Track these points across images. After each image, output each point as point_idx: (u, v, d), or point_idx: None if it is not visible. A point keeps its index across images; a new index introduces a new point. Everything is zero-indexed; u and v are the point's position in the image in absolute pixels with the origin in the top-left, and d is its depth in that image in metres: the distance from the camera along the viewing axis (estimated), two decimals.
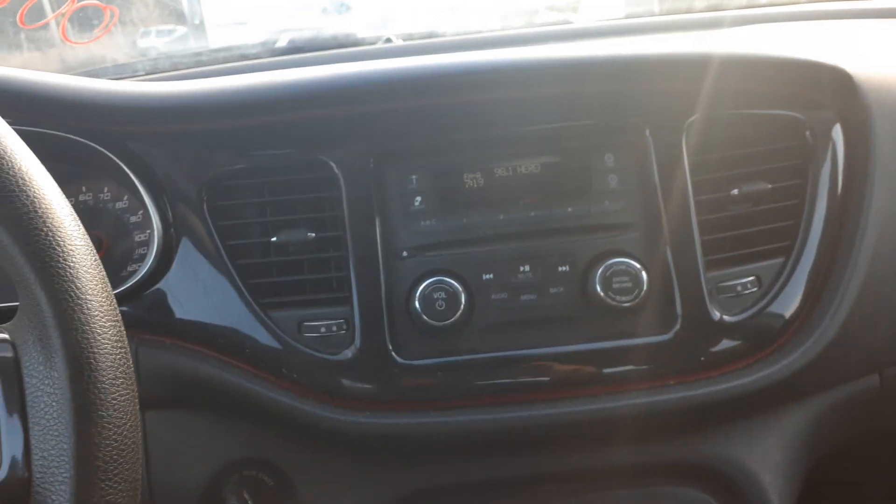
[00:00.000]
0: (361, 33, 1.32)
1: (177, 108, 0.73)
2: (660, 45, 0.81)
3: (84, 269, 0.43)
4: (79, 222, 0.45)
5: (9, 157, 0.42)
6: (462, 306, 0.70)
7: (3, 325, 0.44)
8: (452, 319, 0.70)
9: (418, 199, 0.74)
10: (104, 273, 0.45)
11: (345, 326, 0.72)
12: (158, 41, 1.73)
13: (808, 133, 0.75)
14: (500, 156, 0.75)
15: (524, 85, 0.74)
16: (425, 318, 0.70)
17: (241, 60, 1.30)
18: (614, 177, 0.74)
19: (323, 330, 0.72)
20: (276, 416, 0.71)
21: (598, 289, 0.70)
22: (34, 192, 0.42)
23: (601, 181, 0.74)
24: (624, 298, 0.69)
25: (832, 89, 0.75)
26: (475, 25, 1.40)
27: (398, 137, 0.74)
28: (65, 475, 0.40)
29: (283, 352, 0.71)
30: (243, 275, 0.73)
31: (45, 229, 0.42)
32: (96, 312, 0.43)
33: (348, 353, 0.71)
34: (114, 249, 0.83)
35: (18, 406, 0.42)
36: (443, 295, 0.70)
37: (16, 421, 0.41)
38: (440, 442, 0.73)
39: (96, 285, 0.43)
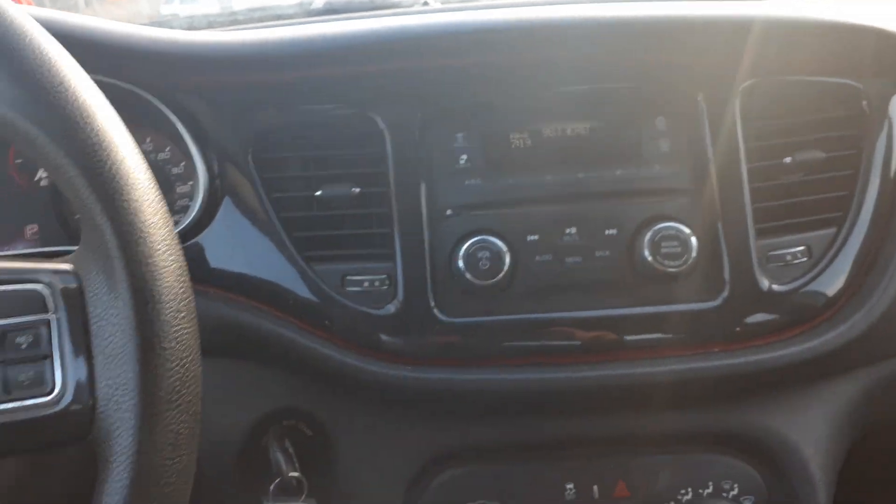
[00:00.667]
0: None
1: (227, 58, 0.73)
2: (716, 7, 0.79)
3: (148, 202, 0.43)
4: (142, 157, 0.45)
5: (73, 91, 0.42)
6: (506, 266, 0.70)
7: (67, 256, 0.44)
8: (496, 279, 0.70)
9: (464, 157, 0.73)
10: (166, 208, 0.45)
11: (387, 282, 0.72)
12: (182, 8, 1.72)
13: (864, 103, 0.73)
14: (549, 116, 0.74)
15: (575, 45, 0.73)
16: (469, 276, 0.70)
17: (276, 20, 1.29)
18: (665, 141, 0.73)
19: (366, 284, 0.72)
20: (318, 367, 0.71)
21: (646, 253, 0.69)
22: (100, 125, 0.42)
23: (651, 145, 0.73)
24: (672, 263, 0.68)
25: (893, 59, 0.73)
26: None
27: (446, 95, 0.73)
28: (129, 403, 0.40)
29: (326, 305, 0.71)
30: (288, 228, 0.73)
31: (110, 162, 0.42)
32: (160, 246, 0.42)
33: (391, 309, 0.71)
34: None
35: (83, 335, 0.42)
36: (487, 254, 0.70)
37: (80, 350, 0.41)
38: (479, 399, 0.73)
39: (159, 219, 0.43)
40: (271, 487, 0.73)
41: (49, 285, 0.42)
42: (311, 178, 0.74)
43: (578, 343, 0.71)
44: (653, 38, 0.74)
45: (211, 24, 1.29)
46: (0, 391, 0.41)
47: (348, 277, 0.72)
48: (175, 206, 0.83)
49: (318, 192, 0.73)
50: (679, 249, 0.69)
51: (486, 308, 0.71)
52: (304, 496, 0.73)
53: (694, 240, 0.69)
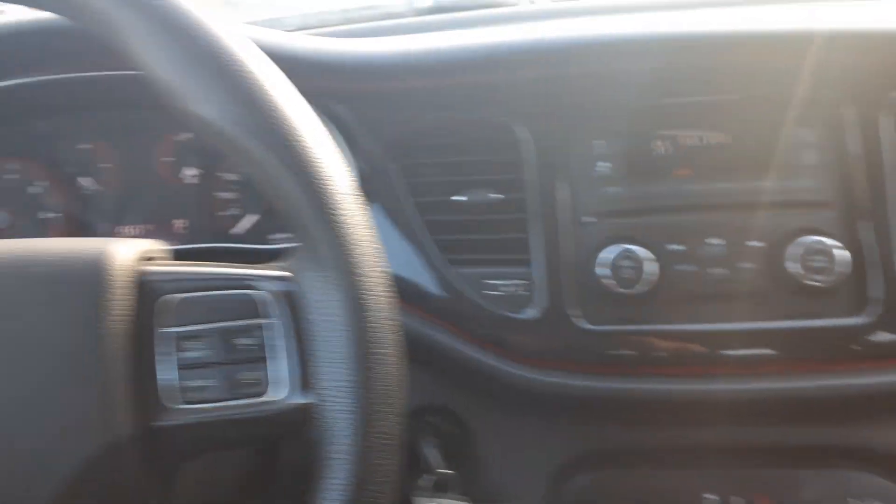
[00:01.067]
0: None
1: (378, 67, 0.75)
2: (858, 15, 0.78)
3: (359, 215, 0.45)
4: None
5: (291, 109, 0.44)
6: (648, 275, 0.70)
7: (284, 261, 0.47)
8: (637, 288, 0.70)
9: (604, 164, 0.74)
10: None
11: (526, 287, 0.73)
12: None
13: None
14: (691, 125, 0.74)
15: (720, 53, 0.73)
16: (609, 284, 0.71)
17: (387, 19, 1.31)
18: (812, 152, 0.72)
19: (504, 289, 0.73)
20: (460, 366, 0.73)
21: (793, 266, 0.68)
22: (315, 141, 0.44)
23: (798, 156, 0.72)
24: (820, 277, 0.68)
25: None
26: None
27: (587, 103, 0.74)
28: (348, 404, 0.42)
29: (468, 307, 0.73)
30: (432, 230, 0.75)
31: (325, 176, 0.44)
32: (371, 256, 0.45)
33: (529, 313, 0.72)
34: None
35: (300, 338, 0.44)
36: (629, 263, 0.70)
37: (298, 351, 0.44)
38: (616, 407, 0.74)
39: (369, 231, 0.45)
40: (421, 482, 0.76)
41: (268, 291, 0.45)
42: (453, 182, 0.75)
43: (720, 355, 0.71)
44: (801, 47, 0.73)
45: (323, 22, 1.32)
46: (225, 390, 0.44)
47: (486, 281, 0.74)
48: None
49: (458, 197, 0.75)
50: (827, 263, 0.68)
51: (625, 316, 0.72)
52: (455, 492, 0.76)
53: (843, 254, 0.68)
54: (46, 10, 0.45)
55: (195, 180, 0.87)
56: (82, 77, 0.80)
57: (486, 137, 0.75)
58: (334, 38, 0.79)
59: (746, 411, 0.72)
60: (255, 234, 0.87)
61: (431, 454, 0.75)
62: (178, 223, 0.87)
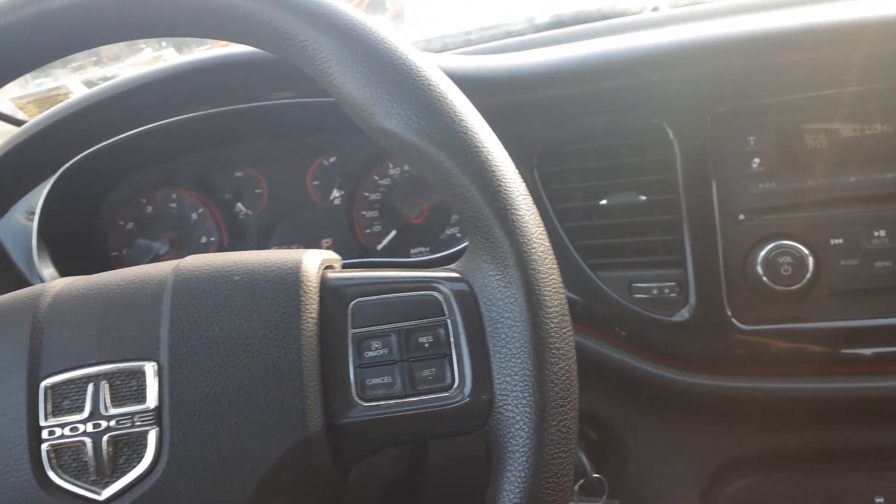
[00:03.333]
0: (625, 3, 1.31)
1: (524, 79, 0.76)
2: None
3: (534, 217, 0.46)
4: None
5: (472, 121, 0.46)
6: (809, 272, 0.68)
7: (453, 265, 0.49)
8: (798, 285, 0.68)
9: (756, 160, 0.72)
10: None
11: (677, 289, 0.72)
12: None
13: None
14: (846, 115, 0.71)
15: (869, 41, 0.70)
16: (768, 282, 0.68)
17: (507, 38, 1.33)
18: None
19: (654, 292, 0.72)
20: (609, 372, 0.73)
21: None
22: (494, 150, 0.46)
23: None
24: None
25: None
26: None
27: (735, 97, 0.72)
28: (528, 399, 0.43)
29: (615, 312, 0.73)
30: (573, 236, 0.75)
31: (504, 183, 0.45)
32: (546, 256, 0.46)
33: (684, 315, 0.71)
34: (433, 215, 0.89)
35: (478, 335, 0.46)
36: (788, 259, 0.68)
37: (477, 348, 0.45)
38: (778, 408, 0.71)
39: (542, 232, 0.47)
40: (575, 487, 0.76)
41: (445, 291, 0.47)
42: (594, 187, 0.76)
43: (887, 351, 0.67)
44: None
45: (446, 45, 1.36)
46: (408, 385, 0.46)
47: (635, 284, 0.73)
48: (451, 220, 0.89)
49: (603, 202, 0.75)
50: None
51: (785, 314, 0.69)
52: (605, 496, 0.75)
53: None
54: (255, 45, 0.49)
55: (339, 201, 0.91)
56: (235, 110, 0.86)
57: (633, 140, 0.75)
58: (480, 56, 0.81)
59: None
60: (397, 248, 0.90)
61: (584, 458, 0.75)
62: (325, 242, 0.92)
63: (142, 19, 0.49)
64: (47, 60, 0.53)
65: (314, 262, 0.48)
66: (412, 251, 0.89)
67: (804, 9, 1.00)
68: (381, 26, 0.47)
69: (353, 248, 0.90)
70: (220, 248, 0.93)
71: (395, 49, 0.46)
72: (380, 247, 0.89)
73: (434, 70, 0.47)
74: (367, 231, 0.90)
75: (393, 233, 0.90)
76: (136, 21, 0.49)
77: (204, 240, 0.92)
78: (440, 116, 0.45)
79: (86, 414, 0.44)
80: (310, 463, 0.45)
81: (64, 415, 0.44)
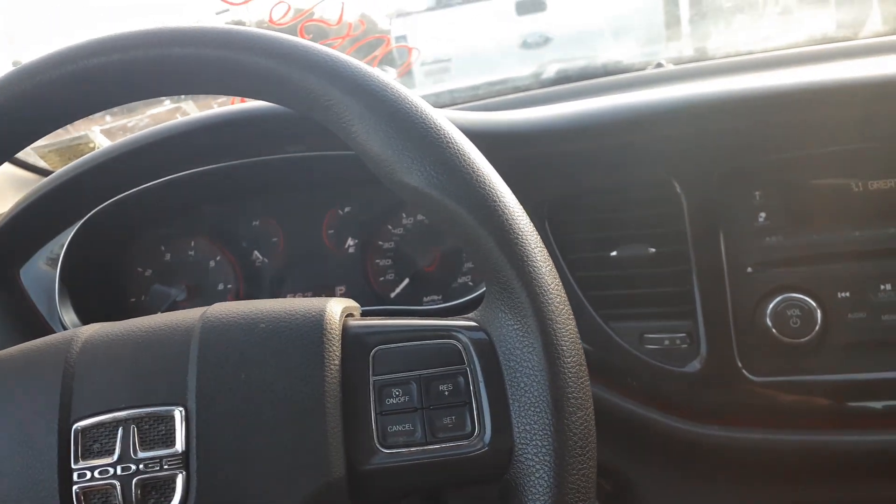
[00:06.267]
0: (629, 60, 1.36)
1: (527, 133, 0.79)
2: None
3: (550, 269, 0.48)
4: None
5: (488, 176, 0.48)
6: (818, 324, 0.69)
7: (471, 314, 0.50)
8: (807, 338, 0.69)
9: (763, 214, 0.74)
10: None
11: (688, 340, 0.73)
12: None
13: None
14: (850, 171, 0.73)
15: (871, 100, 0.73)
16: (777, 334, 0.70)
17: (514, 92, 1.37)
18: None
19: (666, 342, 0.73)
20: (621, 422, 0.73)
21: None
22: (510, 204, 0.48)
23: None
24: None
25: None
26: (740, 47, 1.38)
27: (740, 154, 0.75)
28: (547, 447, 0.44)
29: (627, 362, 0.74)
30: (584, 287, 0.77)
31: (521, 235, 0.47)
32: (563, 307, 0.47)
33: (695, 366, 0.72)
34: (445, 263, 0.91)
35: (498, 384, 0.47)
36: (797, 312, 0.69)
37: (496, 397, 0.47)
38: (788, 460, 0.72)
39: (558, 283, 0.48)
40: None
41: (464, 340, 0.48)
42: (604, 239, 0.77)
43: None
44: None
45: (454, 99, 1.40)
46: (428, 433, 0.47)
47: (646, 335, 0.74)
48: (462, 269, 0.90)
49: (614, 253, 0.76)
50: None
51: (794, 366, 0.70)
52: None
53: None
54: (282, 104, 0.52)
55: (353, 249, 0.93)
56: (253, 162, 0.89)
57: (641, 193, 0.77)
58: (494, 112, 0.84)
59: None
60: (409, 296, 0.91)
61: None
62: (339, 289, 0.93)
63: (175, 78, 0.52)
64: (82, 115, 0.55)
65: (336, 310, 0.50)
66: (425, 299, 0.91)
67: (806, 68, 1.04)
68: (401, 88, 0.50)
69: (367, 296, 0.92)
70: (237, 295, 0.94)
71: (416, 109, 0.49)
72: (393, 294, 0.90)
73: (452, 128, 0.49)
74: (381, 279, 0.91)
75: (406, 281, 0.92)
76: (169, 79, 0.52)
77: (221, 287, 0.93)
78: (458, 172, 0.47)
79: (115, 457, 0.45)
80: None
81: (94, 458, 0.45)
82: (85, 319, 0.85)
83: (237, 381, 0.46)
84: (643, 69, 1.32)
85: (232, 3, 1.00)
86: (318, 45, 0.50)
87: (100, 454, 0.45)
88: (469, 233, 0.47)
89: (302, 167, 0.88)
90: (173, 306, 0.92)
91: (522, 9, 3.33)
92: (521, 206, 0.49)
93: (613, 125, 0.77)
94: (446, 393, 0.47)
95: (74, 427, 0.46)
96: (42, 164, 1.32)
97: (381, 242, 0.92)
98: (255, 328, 0.48)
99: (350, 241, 0.93)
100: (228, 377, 0.46)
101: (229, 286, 0.93)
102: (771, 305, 0.70)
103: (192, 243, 0.94)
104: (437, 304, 0.89)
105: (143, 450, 0.45)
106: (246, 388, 0.46)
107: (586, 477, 0.45)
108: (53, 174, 0.84)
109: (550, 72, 1.41)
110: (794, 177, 0.73)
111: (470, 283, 0.90)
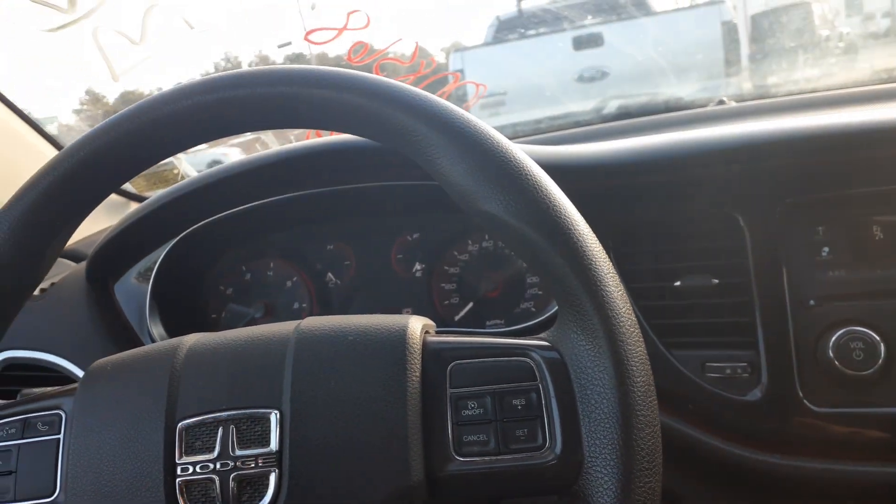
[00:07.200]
0: (691, 97, 1.38)
1: (598, 166, 0.82)
2: None
3: (621, 293, 0.51)
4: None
5: (564, 206, 0.52)
6: (881, 358, 0.70)
7: (543, 334, 0.54)
8: (870, 370, 0.70)
9: (826, 249, 0.75)
10: None
11: (749, 370, 0.74)
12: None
13: None
14: None
15: None
16: (840, 366, 0.71)
17: (575, 127, 1.41)
18: None
19: (728, 371, 0.75)
20: (682, 447, 0.75)
21: None
22: (584, 232, 0.51)
23: None
24: None
25: None
26: (802, 84, 1.40)
27: (803, 190, 0.76)
28: (616, 461, 0.47)
29: (688, 389, 0.76)
30: (647, 315, 0.79)
31: (594, 261, 0.51)
32: (633, 328, 0.50)
33: (756, 394, 0.73)
34: (508, 289, 0.94)
35: (569, 400, 0.50)
36: (860, 345, 0.71)
37: (567, 412, 0.49)
38: (847, 491, 0.72)
39: (629, 306, 0.51)
40: None
41: (537, 358, 0.52)
42: (667, 269, 0.80)
43: None
44: None
45: (517, 133, 1.45)
46: (501, 444, 0.50)
47: (708, 364, 0.76)
48: (525, 295, 0.94)
49: (677, 283, 0.79)
50: None
51: (857, 399, 0.71)
52: None
53: None
54: (371, 138, 0.57)
55: (420, 274, 0.97)
56: (330, 191, 0.94)
57: (705, 226, 0.79)
58: (566, 146, 0.87)
59: None
60: (473, 320, 0.95)
61: None
62: (406, 311, 0.97)
63: (274, 115, 0.57)
64: (188, 147, 0.61)
65: (417, 326, 0.54)
66: (487, 323, 0.94)
67: (868, 107, 1.05)
68: (482, 124, 0.54)
69: (432, 319, 0.95)
70: (310, 314, 0.99)
71: (495, 143, 0.53)
72: (457, 318, 0.94)
73: (528, 160, 0.53)
74: (446, 302, 0.95)
75: (470, 305, 0.95)
76: (269, 116, 0.57)
77: (296, 306, 0.99)
78: (535, 201, 0.51)
79: (215, 454, 0.49)
80: None
81: (196, 454, 0.50)
82: (171, 332, 0.91)
83: (327, 387, 0.50)
84: (704, 106, 1.34)
85: (314, 43, 1.06)
86: (408, 86, 0.55)
87: (201, 451, 0.50)
88: (544, 258, 0.51)
89: (374, 196, 0.94)
90: (252, 323, 0.98)
91: (579, 43, 3.38)
92: (593, 234, 0.52)
93: (679, 160, 0.80)
94: (519, 407, 0.51)
95: (179, 426, 0.50)
96: (128, 187, 1.42)
97: (446, 267, 0.96)
98: (345, 340, 0.52)
99: (417, 266, 0.97)
100: (319, 384, 0.50)
101: (304, 305, 0.99)
102: (833, 338, 0.71)
103: (271, 264, 1.00)
104: (500, 328, 0.92)
105: (241, 448, 0.49)
106: (335, 395, 0.50)
107: (652, 491, 0.47)
108: (148, 199, 0.91)
109: (612, 107, 1.44)
110: (857, 212, 0.75)
111: (532, 309, 0.94)
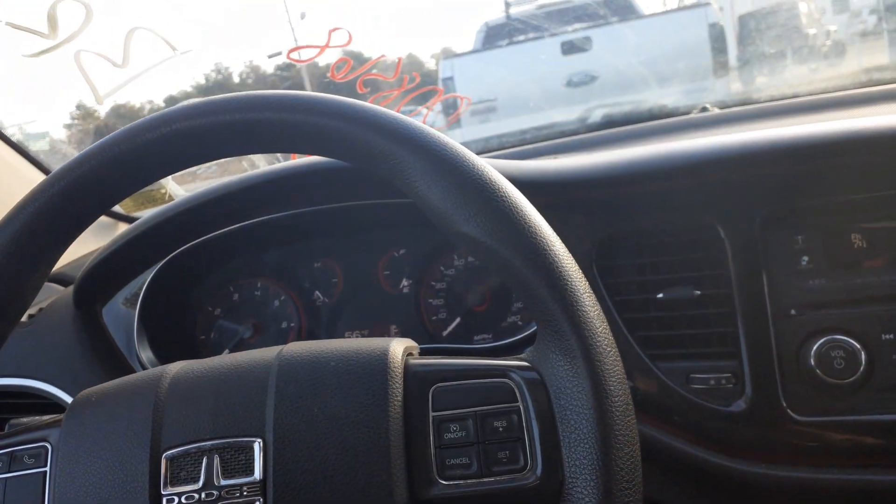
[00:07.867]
0: (674, 104, 1.39)
1: (574, 181, 0.83)
2: None
3: (598, 314, 0.52)
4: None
5: (541, 228, 0.53)
6: (862, 365, 0.70)
7: (523, 354, 0.54)
8: (852, 378, 0.71)
9: (805, 258, 0.76)
10: None
11: (733, 380, 0.75)
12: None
13: None
14: (892, 215, 0.75)
15: None
16: (822, 375, 0.71)
17: (560, 137, 1.41)
18: None
19: (711, 382, 0.76)
20: (667, 459, 0.75)
21: None
22: (560, 253, 0.52)
23: None
24: None
25: None
26: (785, 90, 1.41)
27: (783, 199, 0.77)
28: (595, 481, 0.47)
29: (673, 401, 0.76)
30: (631, 328, 0.79)
31: (571, 283, 0.51)
32: (611, 350, 0.51)
33: (740, 405, 0.74)
34: (495, 303, 0.95)
35: (549, 420, 0.50)
36: (841, 353, 0.71)
37: (547, 433, 0.50)
38: (832, 499, 0.73)
39: (606, 327, 0.52)
40: None
41: (517, 379, 0.52)
42: (650, 281, 0.80)
43: None
44: None
45: (503, 143, 1.46)
46: (484, 467, 0.51)
47: (692, 375, 0.77)
48: (512, 308, 0.94)
49: (660, 295, 0.79)
50: None
51: (840, 406, 0.72)
52: None
53: None
54: (350, 162, 0.57)
55: (408, 289, 0.98)
56: (316, 210, 0.95)
57: (686, 237, 0.79)
58: (542, 160, 0.88)
59: None
60: (461, 335, 0.95)
61: None
62: (393, 328, 0.98)
63: (262, 139, 0.57)
64: (173, 172, 0.62)
65: (398, 350, 0.54)
66: (475, 337, 0.95)
67: (850, 111, 1.06)
68: (459, 147, 0.55)
69: (420, 334, 0.96)
70: (299, 332, 1.00)
71: (472, 166, 0.53)
72: (445, 333, 0.95)
73: (504, 182, 0.53)
74: (433, 318, 0.96)
75: (457, 320, 0.96)
76: (254, 140, 0.58)
77: (284, 325, 0.99)
78: (511, 223, 0.52)
79: (200, 484, 0.50)
80: None
81: (181, 485, 0.50)
82: (160, 355, 0.91)
83: (310, 415, 0.51)
84: (689, 112, 1.35)
85: (297, 61, 1.07)
86: (386, 110, 0.55)
87: (186, 481, 0.50)
88: (521, 279, 0.52)
89: (360, 213, 0.94)
90: (241, 342, 0.98)
91: (568, 48, 3.40)
92: (570, 254, 0.53)
93: (658, 172, 0.80)
94: (501, 429, 0.51)
95: (164, 455, 0.51)
96: (116, 207, 1.42)
97: (433, 283, 0.97)
98: (326, 366, 0.53)
99: (405, 282, 0.98)
100: (302, 411, 0.51)
101: (292, 324, 0.99)
102: (815, 347, 0.72)
103: (259, 284, 1.01)
104: (487, 343, 0.93)
105: (225, 478, 0.50)
106: (317, 422, 0.51)
107: None
108: (135, 223, 0.91)
109: (596, 116, 1.45)
110: (837, 220, 0.76)
111: (519, 323, 0.94)
